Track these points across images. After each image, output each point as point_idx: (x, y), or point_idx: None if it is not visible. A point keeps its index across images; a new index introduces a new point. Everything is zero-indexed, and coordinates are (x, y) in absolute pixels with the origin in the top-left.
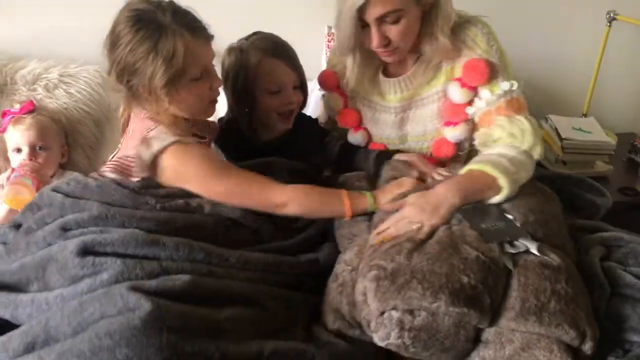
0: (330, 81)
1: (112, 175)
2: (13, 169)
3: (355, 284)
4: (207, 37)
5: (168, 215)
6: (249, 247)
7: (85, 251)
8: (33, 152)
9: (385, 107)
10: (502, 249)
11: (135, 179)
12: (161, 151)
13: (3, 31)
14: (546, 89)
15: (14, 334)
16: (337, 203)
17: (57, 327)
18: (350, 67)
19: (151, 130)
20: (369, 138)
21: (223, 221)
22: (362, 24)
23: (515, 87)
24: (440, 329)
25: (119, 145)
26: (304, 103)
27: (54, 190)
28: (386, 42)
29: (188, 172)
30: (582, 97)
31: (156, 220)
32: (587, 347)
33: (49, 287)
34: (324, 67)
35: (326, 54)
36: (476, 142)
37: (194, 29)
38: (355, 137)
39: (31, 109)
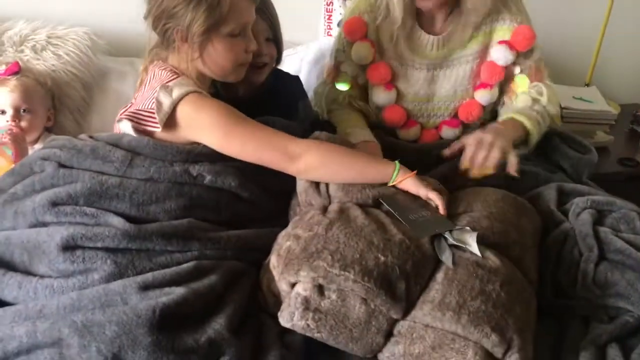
0: (360, 29)
1: (128, 126)
2: None
3: None
4: (253, 1)
5: (163, 188)
6: (246, 221)
7: (74, 246)
8: (17, 114)
9: (417, 63)
10: (436, 241)
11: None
12: (180, 98)
13: None
14: (548, 56)
15: (6, 311)
16: (361, 162)
17: (52, 314)
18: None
19: (172, 80)
20: (397, 97)
21: (223, 197)
22: None
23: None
24: (349, 315)
25: (132, 100)
26: (278, 59)
27: (45, 158)
28: None
29: (204, 120)
30: (585, 67)
31: (149, 194)
32: (512, 359)
33: (33, 271)
34: (321, 31)
35: (325, 17)
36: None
37: None
38: (383, 97)
39: (16, 70)
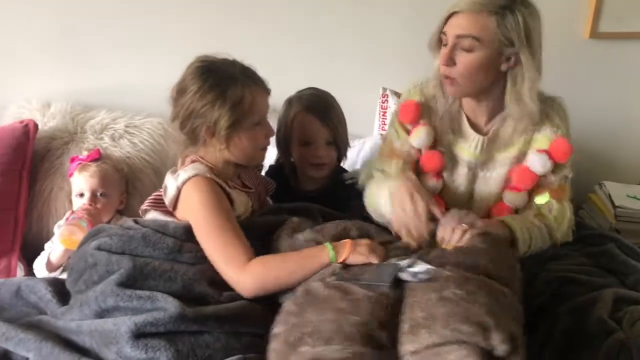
0: (414, 111)
1: (150, 210)
2: (72, 212)
3: None
4: (267, 90)
5: (209, 269)
6: None
7: (137, 334)
8: (94, 197)
9: (462, 159)
10: (393, 283)
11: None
12: (184, 182)
13: (79, 84)
14: (601, 153)
15: None
16: (296, 258)
17: None
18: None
19: (186, 165)
20: (442, 187)
21: None
22: (444, 41)
23: (571, 175)
24: None
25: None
26: (339, 158)
27: (98, 247)
28: (451, 64)
29: (193, 202)
30: (638, 163)
31: (199, 276)
32: (497, 341)
33: (103, 357)
34: (377, 127)
35: (379, 113)
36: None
37: (258, 81)
38: (430, 185)
39: (97, 157)
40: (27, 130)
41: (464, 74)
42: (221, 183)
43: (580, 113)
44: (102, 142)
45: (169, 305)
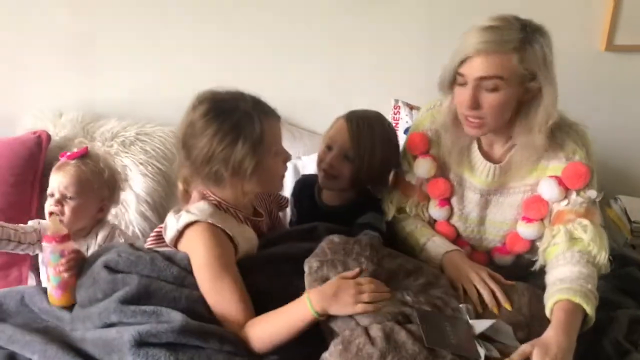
0: (422, 144)
1: (152, 243)
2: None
3: None
4: (279, 117)
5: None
6: None
7: (140, 343)
8: (63, 199)
9: (473, 185)
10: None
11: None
12: (184, 227)
13: (90, 94)
14: (616, 167)
15: None
16: (279, 315)
17: None
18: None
19: (193, 203)
20: (451, 214)
21: None
22: (460, 80)
23: (599, 198)
24: None
25: None
26: (358, 182)
27: (105, 265)
28: (476, 106)
29: (197, 251)
30: None
31: (202, 300)
32: None
33: None
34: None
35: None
36: (549, 238)
37: (270, 111)
38: (436, 212)
39: (83, 153)
40: (40, 141)
41: (491, 114)
42: (225, 226)
43: (595, 126)
44: (111, 149)
45: (173, 317)
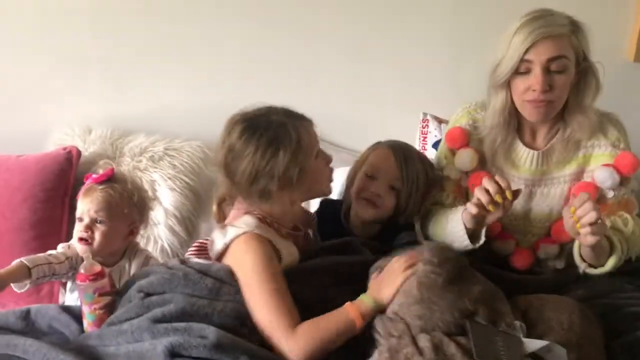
0: (461, 137)
1: (194, 257)
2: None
3: None
4: (311, 121)
5: (245, 311)
6: None
7: (173, 353)
8: (92, 224)
9: (516, 177)
10: None
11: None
12: (232, 240)
13: (119, 110)
14: None
15: None
16: (330, 322)
17: None
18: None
19: (237, 218)
20: None
21: None
22: (523, 69)
23: (637, 187)
24: None
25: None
26: (395, 215)
27: (140, 290)
28: (548, 89)
29: (246, 263)
30: None
31: (235, 313)
32: None
33: None
34: None
35: (420, 139)
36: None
37: (301, 116)
38: None
39: (109, 177)
40: (70, 157)
41: (560, 95)
42: (270, 238)
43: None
44: (140, 165)
45: (206, 333)
